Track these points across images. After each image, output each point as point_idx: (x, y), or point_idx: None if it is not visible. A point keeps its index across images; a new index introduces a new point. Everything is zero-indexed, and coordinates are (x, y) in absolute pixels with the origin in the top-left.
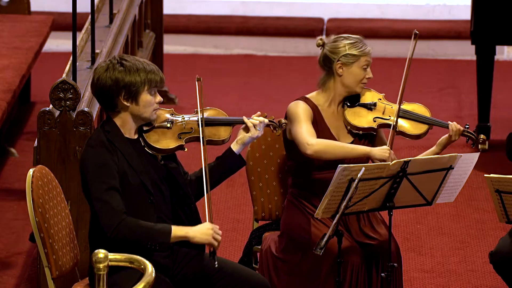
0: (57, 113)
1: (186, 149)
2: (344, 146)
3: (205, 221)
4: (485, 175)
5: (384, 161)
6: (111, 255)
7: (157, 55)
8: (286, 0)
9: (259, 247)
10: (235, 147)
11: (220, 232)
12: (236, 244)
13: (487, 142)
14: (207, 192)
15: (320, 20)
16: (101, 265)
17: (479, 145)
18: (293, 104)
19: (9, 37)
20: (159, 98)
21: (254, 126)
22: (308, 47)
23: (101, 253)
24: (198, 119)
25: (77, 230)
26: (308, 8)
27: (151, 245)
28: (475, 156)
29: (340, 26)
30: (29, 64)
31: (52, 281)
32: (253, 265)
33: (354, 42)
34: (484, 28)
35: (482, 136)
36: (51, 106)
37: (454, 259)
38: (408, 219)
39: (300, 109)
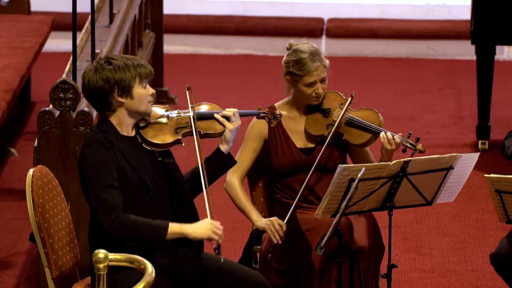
0: (57, 113)
1: (183, 144)
2: (240, 203)
3: (205, 218)
4: (485, 175)
5: (264, 230)
6: (111, 255)
7: (157, 55)
8: (286, 0)
9: (259, 247)
10: (222, 146)
11: (221, 227)
12: (236, 244)
13: (423, 148)
14: (205, 186)
15: (320, 20)
16: (101, 265)
17: (417, 151)
18: (252, 121)
19: (9, 37)
20: (151, 90)
21: (228, 119)
22: None
23: (101, 253)
24: (191, 114)
25: (77, 230)
26: (308, 8)
27: (148, 241)
28: (475, 156)
29: (340, 26)
30: (29, 64)
31: (52, 281)
32: (253, 265)
33: (297, 60)
34: (484, 28)
35: (419, 146)
36: (51, 106)
37: (454, 259)
38: (408, 219)
39: (249, 130)
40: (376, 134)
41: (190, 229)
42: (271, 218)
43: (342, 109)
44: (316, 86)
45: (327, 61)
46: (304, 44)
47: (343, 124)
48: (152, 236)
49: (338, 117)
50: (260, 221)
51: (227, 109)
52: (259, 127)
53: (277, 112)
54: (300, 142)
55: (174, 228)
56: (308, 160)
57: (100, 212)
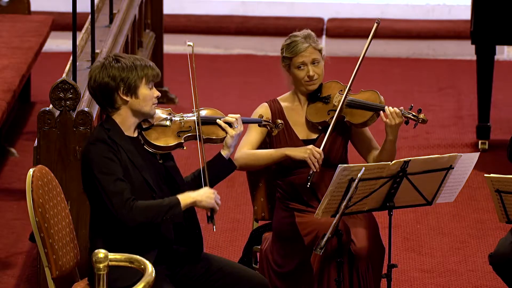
0: (57, 113)
1: (185, 148)
2: (262, 153)
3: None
4: (485, 175)
5: (305, 159)
6: (111, 255)
7: (157, 55)
8: (286, 0)
9: (259, 247)
10: (223, 152)
11: (219, 196)
12: (236, 244)
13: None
14: (204, 184)
15: (320, 20)
16: (101, 265)
17: (420, 121)
18: (258, 107)
19: (9, 37)
20: (157, 92)
21: (230, 124)
22: None
23: (101, 253)
24: (195, 117)
25: (77, 230)
26: (308, 8)
27: (166, 219)
28: (475, 156)
29: (340, 26)
30: (29, 64)
31: (52, 281)
32: (253, 265)
33: (289, 44)
34: (484, 28)
35: (421, 115)
36: (51, 106)
37: (454, 259)
38: (408, 219)
39: (254, 116)
40: (377, 111)
41: (199, 197)
42: (308, 147)
43: (342, 94)
44: (307, 69)
45: (320, 45)
46: (301, 31)
47: (344, 107)
48: (169, 215)
49: (338, 102)
50: (297, 151)
51: (230, 115)
52: (264, 116)
53: (279, 121)
54: (302, 133)
55: (186, 200)
56: None
57: (116, 208)
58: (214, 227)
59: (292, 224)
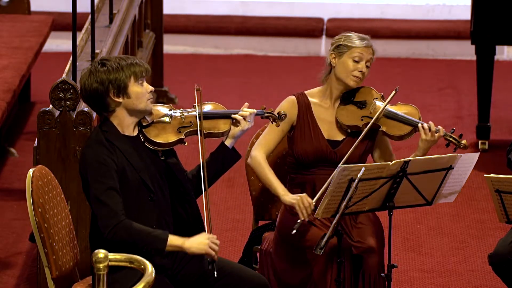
0: (57, 113)
1: (186, 143)
2: (267, 174)
3: (204, 228)
4: (485, 175)
5: (293, 205)
6: (111, 255)
7: (157, 55)
8: (286, 0)
9: (259, 247)
10: (227, 141)
11: (217, 241)
12: (236, 244)
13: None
14: (205, 189)
15: (320, 20)
16: (101, 265)
17: (462, 146)
18: (284, 101)
19: (9, 37)
20: (149, 87)
21: (244, 118)
22: (307, 47)
23: (101, 253)
24: (196, 113)
25: (77, 230)
26: (308, 8)
27: (147, 249)
28: (475, 156)
29: (340, 26)
30: (29, 64)
31: (52, 281)
32: (253, 265)
33: (351, 35)
34: (484, 28)
35: (463, 141)
36: (51, 106)
37: (454, 259)
38: (408, 219)
39: (280, 109)
40: (415, 126)
41: (188, 243)
42: (300, 194)
43: (378, 102)
44: (361, 64)
45: (374, 55)
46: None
47: (381, 116)
48: (151, 246)
49: (375, 110)
50: (288, 196)
51: (244, 109)
52: (289, 110)
53: (282, 112)
54: (327, 132)
55: (174, 241)
56: (334, 153)
57: (101, 215)
58: (215, 273)
59: (298, 232)
